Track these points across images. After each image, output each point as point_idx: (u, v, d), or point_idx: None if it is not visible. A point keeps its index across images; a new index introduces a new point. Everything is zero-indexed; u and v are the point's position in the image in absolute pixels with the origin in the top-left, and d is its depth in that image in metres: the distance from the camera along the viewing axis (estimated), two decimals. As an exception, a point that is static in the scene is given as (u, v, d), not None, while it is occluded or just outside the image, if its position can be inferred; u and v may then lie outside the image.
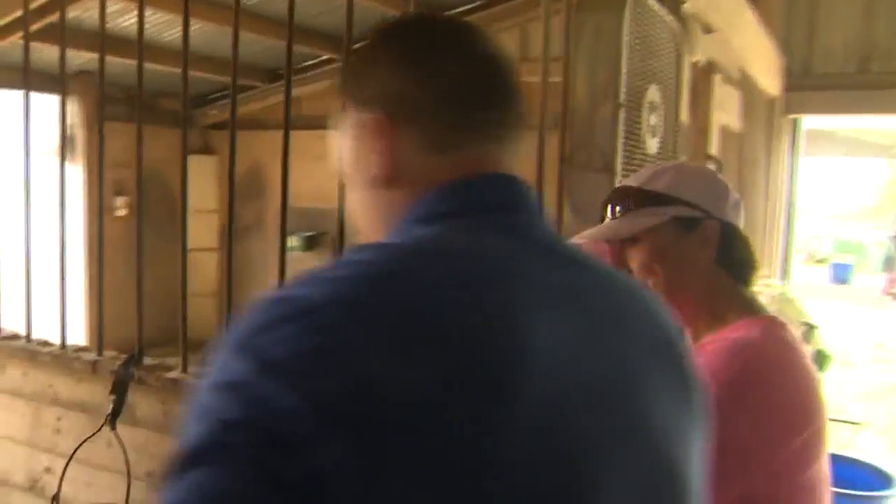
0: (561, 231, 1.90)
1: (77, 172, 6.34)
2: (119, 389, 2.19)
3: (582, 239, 1.28)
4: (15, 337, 2.61)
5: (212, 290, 7.61)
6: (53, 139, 3.50)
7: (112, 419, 2.15)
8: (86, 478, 2.29)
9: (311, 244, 7.11)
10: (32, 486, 2.37)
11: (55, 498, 2.21)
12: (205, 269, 7.36)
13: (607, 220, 1.30)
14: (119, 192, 6.55)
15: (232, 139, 2.19)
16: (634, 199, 1.26)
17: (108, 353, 2.43)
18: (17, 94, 2.52)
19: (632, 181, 1.31)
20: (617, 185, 2.02)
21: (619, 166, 2.41)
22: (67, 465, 2.19)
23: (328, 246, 6.97)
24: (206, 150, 7.50)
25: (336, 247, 2.09)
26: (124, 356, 2.30)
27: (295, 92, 2.10)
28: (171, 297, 7.00)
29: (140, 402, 2.22)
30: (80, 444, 2.16)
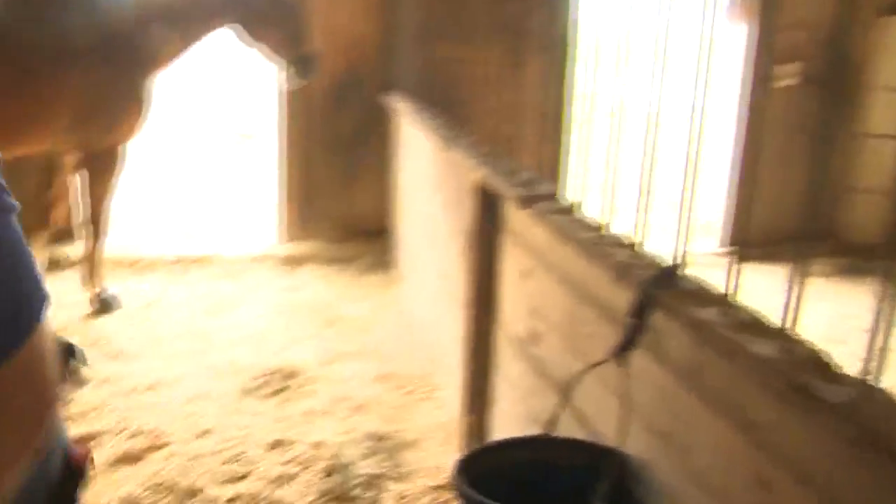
0: None
1: (742, 34, 5.82)
2: (637, 312, 1.64)
3: None
4: (563, 210, 2.15)
5: (884, 187, 6.41)
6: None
7: (620, 349, 1.66)
8: (605, 404, 1.82)
9: None
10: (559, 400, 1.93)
11: (551, 422, 1.85)
12: (881, 160, 6.08)
13: None
14: (789, 59, 5.71)
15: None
16: None
17: (647, 256, 1.80)
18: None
19: None
20: None
21: None
22: (570, 392, 1.82)
23: None
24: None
25: None
26: (662, 266, 1.70)
27: None
28: (830, 188, 6.17)
29: (673, 333, 1.59)
30: (585, 372, 1.76)
